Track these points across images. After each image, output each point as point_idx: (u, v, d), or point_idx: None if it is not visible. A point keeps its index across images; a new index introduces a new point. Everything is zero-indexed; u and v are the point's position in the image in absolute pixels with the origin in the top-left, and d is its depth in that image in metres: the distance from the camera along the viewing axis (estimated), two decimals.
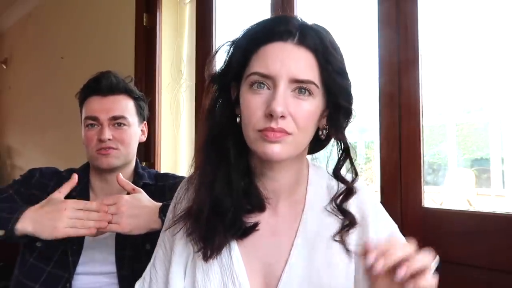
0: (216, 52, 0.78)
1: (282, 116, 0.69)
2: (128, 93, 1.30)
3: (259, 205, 0.78)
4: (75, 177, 1.13)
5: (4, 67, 4.24)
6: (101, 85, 1.26)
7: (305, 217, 0.78)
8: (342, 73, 0.73)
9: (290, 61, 0.70)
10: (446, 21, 1.37)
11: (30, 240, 1.08)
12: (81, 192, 1.29)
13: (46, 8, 3.43)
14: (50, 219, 1.03)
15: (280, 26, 0.71)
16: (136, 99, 1.32)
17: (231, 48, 0.75)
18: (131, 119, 1.28)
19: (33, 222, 1.03)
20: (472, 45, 1.33)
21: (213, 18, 1.93)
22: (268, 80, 0.70)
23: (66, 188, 1.11)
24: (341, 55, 0.74)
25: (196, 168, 0.79)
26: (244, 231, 0.77)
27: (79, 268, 1.20)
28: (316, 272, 0.75)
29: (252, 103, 0.71)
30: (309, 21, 0.76)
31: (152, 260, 0.89)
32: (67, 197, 1.28)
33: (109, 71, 1.31)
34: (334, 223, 0.78)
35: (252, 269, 0.77)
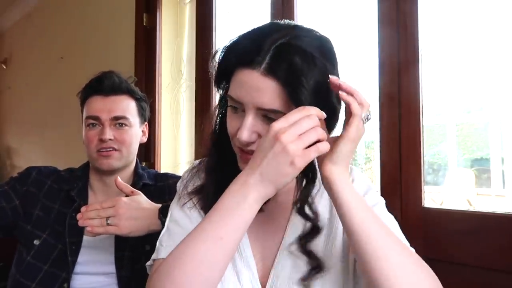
0: (214, 55, 0.79)
1: (250, 142, 0.71)
2: (130, 93, 1.29)
3: None
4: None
5: (4, 67, 4.24)
6: (103, 85, 1.26)
7: (294, 210, 0.81)
8: (306, 105, 0.67)
9: (255, 91, 0.69)
10: (446, 21, 1.37)
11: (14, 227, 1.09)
12: (79, 192, 1.28)
13: (46, 8, 3.43)
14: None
15: (250, 52, 0.69)
16: (138, 99, 1.31)
17: (220, 57, 0.76)
18: (133, 120, 1.28)
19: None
20: (472, 45, 1.33)
21: (213, 18, 1.93)
22: (240, 104, 0.72)
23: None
24: (312, 80, 0.68)
25: (205, 153, 0.84)
26: None
27: (78, 268, 1.20)
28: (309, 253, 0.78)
29: (230, 122, 0.75)
30: (295, 33, 0.71)
31: (164, 239, 0.85)
32: (66, 196, 1.28)
33: (111, 71, 1.30)
34: (326, 206, 0.80)
35: (253, 248, 0.81)
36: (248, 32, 0.75)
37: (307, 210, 0.75)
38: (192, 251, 0.66)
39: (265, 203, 0.78)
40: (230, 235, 0.66)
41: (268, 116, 0.70)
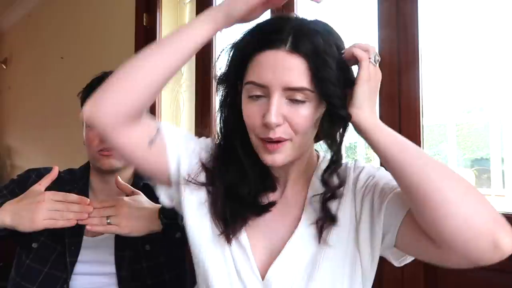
0: (219, 56, 0.80)
1: (278, 125, 0.71)
2: None
3: (272, 186, 0.83)
4: (55, 170, 1.12)
5: (4, 67, 4.24)
6: None
7: (308, 202, 0.81)
8: (332, 80, 0.70)
9: (282, 70, 0.70)
10: (446, 21, 1.37)
11: (11, 234, 1.06)
12: (80, 193, 1.28)
13: (46, 8, 3.43)
14: (28, 210, 1.01)
15: (272, 34, 0.71)
16: None
17: (231, 53, 0.78)
18: None
19: (11, 214, 1.02)
20: (472, 45, 1.33)
21: None
22: (263, 89, 0.72)
23: (47, 180, 1.10)
24: (333, 57, 0.71)
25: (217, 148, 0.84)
26: (260, 209, 0.81)
27: (78, 268, 1.20)
28: (316, 248, 0.77)
29: (250, 112, 0.74)
30: (306, 20, 0.75)
31: None
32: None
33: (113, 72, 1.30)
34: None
35: (256, 241, 0.81)
36: (257, 25, 0.77)
37: (327, 177, 0.77)
38: (133, 61, 0.75)
39: (272, 204, 0.81)
40: (173, 46, 0.73)
41: (293, 98, 0.71)
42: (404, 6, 1.26)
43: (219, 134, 0.83)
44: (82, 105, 1.32)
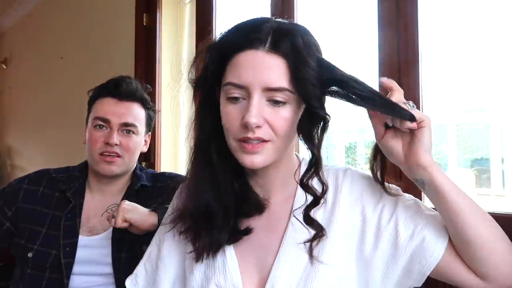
0: (196, 57, 0.79)
1: (258, 126, 0.70)
2: (143, 102, 1.29)
3: (258, 208, 0.80)
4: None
5: (4, 67, 4.23)
6: (120, 89, 1.25)
7: (294, 214, 0.78)
8: (312, 80, 0.69)
9: (262, 70, 0.69)
10: (446, 21, 1.37)
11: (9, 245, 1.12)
12: (76, 193, 1.27)
13: (46, 8, 3.43)
14: None
15: (251, 34, 0.70)
16: (148, 109, 1.31)
17: (208, 54, 0.76)
18: (140, 128, 1.28)
19: None
20: (472, 45, 1.33)
21: (213, 18, 1.93)
22: (242, 90, 0.70)
23: None
24: (313, 58, 0.70)
25: (188, 171, 0.81)
26: (235, 236, 0.79)
27: (75, 269, 1.20)
28: (308, 263, 0.74)
29: (229, 114, 0.72)
30: (284, 21, 0.74)
31: (144, 258, 0.91)
32: (61, 197, 1.28)
33: (129, 77, 1.31)
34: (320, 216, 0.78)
35: (246, 263, 0.78)
36: (235, 26, 0.75)
37: (311, 183, 0.75)
38: None
39: (248, 232, 0.79)
40: None
41: (273, 99, 0.70)
42: (404, 6, 1.25)
43: (194, 144, 0.80)
44: (90, 102, 1.31)
